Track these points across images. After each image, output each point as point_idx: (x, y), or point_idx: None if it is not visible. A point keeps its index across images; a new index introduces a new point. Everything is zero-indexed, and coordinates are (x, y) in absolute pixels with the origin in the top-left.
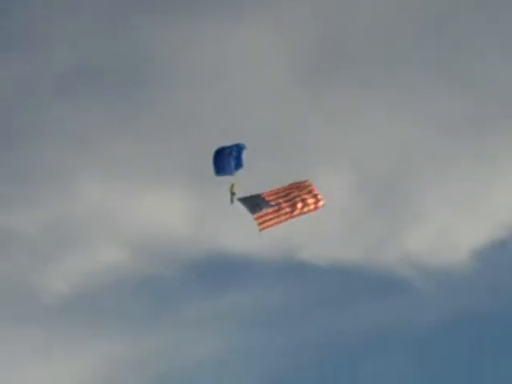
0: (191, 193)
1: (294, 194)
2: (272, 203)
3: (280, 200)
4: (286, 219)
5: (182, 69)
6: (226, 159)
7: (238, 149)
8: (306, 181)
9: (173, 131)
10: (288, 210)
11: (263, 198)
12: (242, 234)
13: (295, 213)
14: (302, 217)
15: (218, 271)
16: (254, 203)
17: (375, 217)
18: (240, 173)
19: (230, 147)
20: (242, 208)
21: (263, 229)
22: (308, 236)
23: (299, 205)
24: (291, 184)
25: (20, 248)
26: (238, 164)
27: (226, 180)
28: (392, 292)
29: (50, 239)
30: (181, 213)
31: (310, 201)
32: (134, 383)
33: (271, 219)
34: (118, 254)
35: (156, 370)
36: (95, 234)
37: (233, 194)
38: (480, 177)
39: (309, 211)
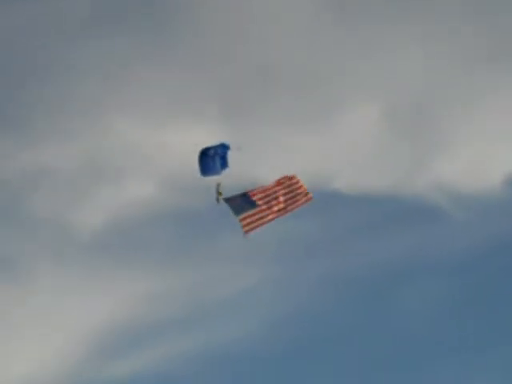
0: (222, 125)
1: (282, 192)
2: (259, 202)
3: (267, 198)
4: (273, 218)
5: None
6: (212, 160)
7: (223, 149)
8: (293, 177)
9: (203, 64)
10: (275, 208)
11: (249, 197)
12: (274, 166)
13: (282, 212)
14: (335, 146)
15: None
16: (239, 203)
17: (406, 145)
18: (226, 172)
19: (215, 147)
20: (273, 141)
21: (247, 232)
22: (339, 166)
23: (288, 202)
24: (278, 180)
25: (54, 184)
26: (224, 164)
27: (259, 114)
28: (424, 220)
29: (84, 175)
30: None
31: (298, 197)
32: (170, 317)
33: (256, 220)
34: (152, 188)
35: (193, 303)
36: (129, 168)
37: (219, 193)
38: None
39: (297, 206)
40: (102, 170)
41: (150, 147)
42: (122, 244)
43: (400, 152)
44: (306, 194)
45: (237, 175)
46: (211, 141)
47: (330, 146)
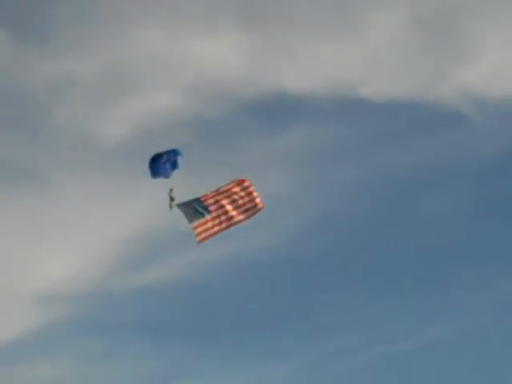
0: (245, 33)
1: (236, 197)
2: (210, 208)
3: (220, 204)
4: (226, 227)
5: None
6: (162, 163)
7: (175, 154)
8: (245, 181)
9: None
10: (228, 215)
11: (202, 202)
12: (297, 73)
13: (236, 219)
14: (360, 54)
15: (274, 111)
16: (192, 209)
17: (432, 51)
18: (175, 175)
19: (167, 153)
20: (298, 50)
21: (201, 241)
22: (363, 73)
23: (241, 209)
24: (230, 185)
25: (78, 94)
26: (174, 166)
27: (282, 22)
28: (448, 126)
29: (108, 84)
30: (235, 54)
31: (250, 205)
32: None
33: (209, 229)
34: (175, 98)
35: None
36: (152, 78)
37: (172, 199)
38: None
39: (249, 216)
40: (126, 79)
41: (173, 57)
42: (146, 152)
43: (425, 58)
44: (258, 202)
45: (263, 84)
46: (232, 48)
47: (355, 53)
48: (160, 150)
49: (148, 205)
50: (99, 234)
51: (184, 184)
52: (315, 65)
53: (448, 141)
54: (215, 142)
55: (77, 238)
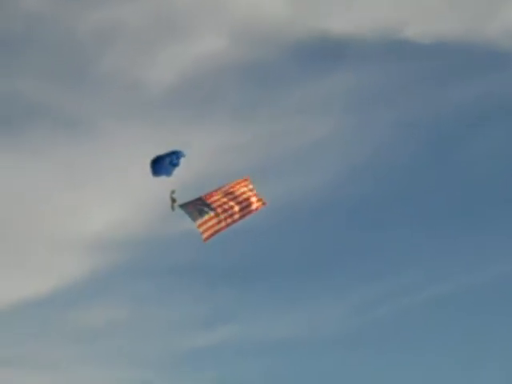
0: None
1: (236, 195)
2: (213, 205)
3: (222, 201)
4: (230, 224)
5: None
6: (164, 163)
7: (177, 156)
8: (246, 180)
9: None
10: (231, 212)
11: (204, 201)
12: (342, 15)
13: (237, 216)
14: None
15: (319, 53)
16: (195, 209)
17: None
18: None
19: (170, 155)
20: None
21: (207, 238)
22: (409, 14)
23: (243, 204)
24: (231, 184)
25: (125, 40)
26: (176, 164)
27: None
28: (496, 66)
29: (155, 30)
30: None
31: (253, 199)
32: (245, 169)
33: (214, 226)
34: (223, 42)
35: (266, 155)
36: (199, 23)
37: (173, 200)
38: None
39: (251, 212)
40: (173, 25)
41: (220, 1)
42: (194, 98)
43: None
44: (259, 199)
45: (309, 27)
46: None
47: None
48: (207, 96)
49: (197, 150)
50: (148, 179)
51: (234, 128)
52: (361, 6)
53: (496, 81)
54: (261, 86)
55: (126, 184)
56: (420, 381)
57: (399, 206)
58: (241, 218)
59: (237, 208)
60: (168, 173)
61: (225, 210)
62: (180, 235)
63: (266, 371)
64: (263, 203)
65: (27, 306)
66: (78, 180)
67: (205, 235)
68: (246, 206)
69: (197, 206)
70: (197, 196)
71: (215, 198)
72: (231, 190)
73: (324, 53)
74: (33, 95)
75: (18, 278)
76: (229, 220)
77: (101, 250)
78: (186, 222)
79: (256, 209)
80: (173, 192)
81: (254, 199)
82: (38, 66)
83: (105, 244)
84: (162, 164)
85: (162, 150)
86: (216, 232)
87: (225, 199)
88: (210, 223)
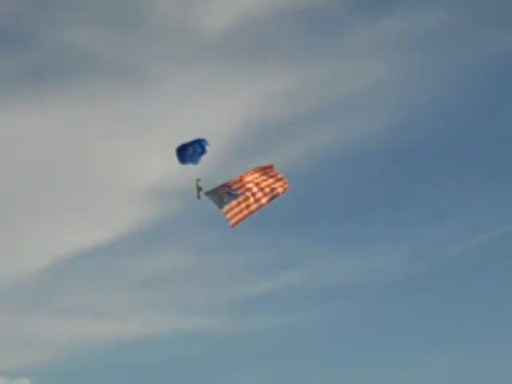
0: None
1: (261, 179)
2: (239, 192)
3: (246, 187)
4: (257, 209)
5: None
6: (188, 152)
7: (201, 144)
8: (271, 165)
9: None
10: (257, 196)
11: (229, 187)
12: None
13: (264, 200)
14: None
15: None
16: (221, 195)
17: None
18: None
19: (193, 144)
20: None
21: (235, 224)
22: None
23: (267, 190)
24: (256, 169)
25: None
26: (202, 152)
27: None
28: None
29: None
30: None
31: (277, 184)
32: (301, 113)
33: (241, 211)
34: None
35: (322, 99)
36: None
37: (199, 189)
38: None
39: (276, 196)
40: None
41: None
42: (249, 43)
43: None
44: (284, 183)
45: None
46: None
47: None
48: (263, 41)
49: (251, 95)
50: (205, 125)
51: (286, 74)
52: None
53: None
54: (313, 32)
55: (182, 131)
56: (486, 323)
57: (454, 152)
58: (268, 201)
59: (262, 192)
60: (195, 161)
61: (251, 195)
62: None
63: (330, 316)
64: (288, 187)
65: (90, 255)
66: (137, 128)
67: (232, 221)
68: (271, 189)
69: (222, 193)
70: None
71: (240, 183)
72: (256, 174)
73: None
74: (89, 45)
75: (80, 227)
76: (256, 205)
77: (164, 198)
78: (244, 166)
79: (282, 192)
80: (198, 180)
81: (279, 182)
82: (93, 15)
83: (168, 192)
84: (187, 153)
85: (216, 96)
86: (244, 217)
87: (250, 184)
88: (237, 209)
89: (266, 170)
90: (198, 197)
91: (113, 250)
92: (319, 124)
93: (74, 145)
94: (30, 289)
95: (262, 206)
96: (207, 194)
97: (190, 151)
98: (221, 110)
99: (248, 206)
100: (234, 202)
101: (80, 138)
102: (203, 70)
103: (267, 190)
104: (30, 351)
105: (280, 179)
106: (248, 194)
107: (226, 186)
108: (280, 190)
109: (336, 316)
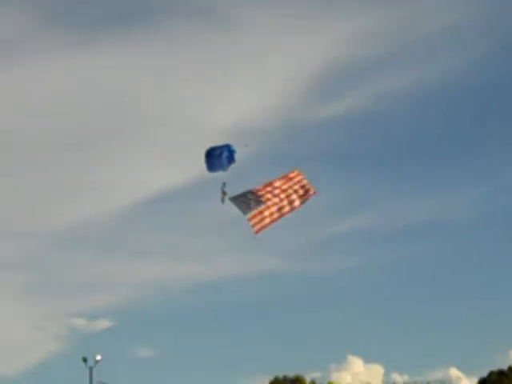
0: None
1: (285, 187)
2: (263, 199)
3: (271, 195)
4: (280, 216)
5: None
6: (218, 157)
7: (229, 149)
8: (295, 171)
9: None
10: (281, 205)
11: (254, 194)
12: None
13: (287, 208)
14: None
15: None
16: (246, 201)
17: None
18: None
19: (221, 148)
20: None
21: (258, 231)
22: None
23: (292, 197)
24: (281, 177)
25: None
26: (230, 160)
27: None
28: None
29: None
30: None
31: (301, 192)
32: (380, 55)
33: (265, 218)
34: None
35: (401, 42)
36: None
37: (224, 193)
38: None
39: (301, 204)
40: None
41: None
42: None
43: None
44: (309, 189)
45: None
46: None
47: None
48: None
49: (329, 37)
50: (286, 66)
51: (371, 13)
52: None
53: None
54: None
55: (264, 73)
56: None
57: None
58: (292, 210)
59: (287, 201)
60: (223, 168)
61: (274, 203)
62: (319, 121)
63: (402, 256)
64: (314, 192)
65: (168, 197)
66: (216, 68)
67: (256, 228)
68: (296, 197)
69: (247, 199)
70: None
71: (265, 190)
72: (281, 182)
73: None
74: None
75: (158, 167)
76: (279, 213)
77: (240, 138)
78: (326, 109)
79: (306, 199)
80: (224, 185)
81: (303, 190)
82: None
83: (244, 132)
84: (215, 160)
85: (298, 37)
86: (267, 225)
87: (275, 192)
88: (260, 217)
89: (291, 177)
90: (222, 201)
91: (190, 193)
92: (397, 65)
93: (154, 83)
94: (107, 231)
95: (287, 213)
96: (231, 199)
97: (216, 157)
98: (300, 51)
99: (271, 214)
100: (257, 210)
101: (161, 77)
102: (283, 12)
103: (293, 197)
104: (108, 293)
105: (305, 186)
106: (271, 202)
107: (251, 192)
108: (305, 196)
109: (407, 258)
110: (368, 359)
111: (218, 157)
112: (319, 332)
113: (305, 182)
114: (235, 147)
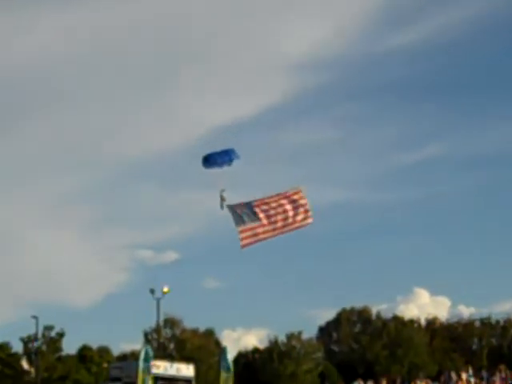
0: None
1: (285, 208)
2: (260, 215)
3: (269, 213)
4: (270, 237)
5: None
6: (218, 156)
7: (230, 157)
8: (299, 191)
9: None
10: (275, 225)
11: (252, 207)
12: None
13: (281, 230)
14: None
15: None
16: (241, 213)
17: None
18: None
19: (221, 155)
20: None
21: (244, 246)
22: None
23: (289, 220)
24: (283, 193)
25: None
26: (230, 160)
27: None
28: None
29: None
30: None
31: (299, 217)
32: None
33: (254, 236)
34: None
35: None
36: None
37: (222, 199)
38: None
39: (296, 228)
40: None
41: None
42: None
43: None
44: (307, 217)
45: None
46: None
47: None
48: None
49: None
50: None
51: None
52: None
53: None
54: None
55: (329, 3)
56: None
57: None
58: (285, 231)
59: (282, 222)
60: (221, 165)
61: (270, 222)
62: (386, 52)
63: (469, 186)
64: (310, 220)
65: (237, 127)
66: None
67: (243, 242)
68: (292, 221)
69: (243, 211)
70: None
71: (263, 207)
72: (281, 200)
73: None
74: None
75: (227, 98)
76: (270, 233)
77: (307, 70)
78: (394, 38)
79: (302, 225)
80: (222, 191)
81: (301, 216)
82: None
83: (311, 64)
84: (216, 157)
85: None
86: (255, 242)
87: (273, 210)
88: (252, 232)
89: (292, 197)
90: (221, 207)
91: (258, 123)
92: None
93: (219, 15)
94: (174, 163)
95: (279, 234)
96: (229, 207)
97: (214, 160)
98: None
99: (264, 233)
100: (250, 225)
101: (227, 8)
102: None
103: (289, 220)
104: (175, 225)
105: (305, 211)
106: (268, 220)
107: (249, 204)
108: (301, 222)
109: (474, 188)
110: (434, 291)
111: (217, 156)
112: (386, 264)
113: (307, 206)
114: (238, 155)
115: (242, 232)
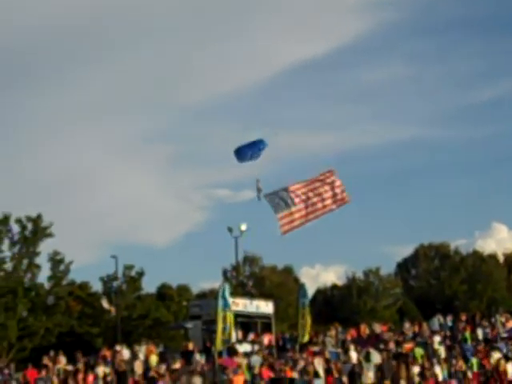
0: None
1: (322, 190)
2: (296, 200)
3: (306, 196)
4: (311, 219)
5: None
6: (245, 154)
7: (259, 147)
8: (332, 174)
9: None
10: (315, 207)
11: (289, 194)
12: None
13: (320, 212)
14: None
15: None
16: (279, 200)
17: None
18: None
19: (251, 147)
20: None
21: (285, 232)
22: None
23: (327, 202)
24: (317, 178)
25: None
26: (258, 156)
27: None
28: None
29: None
30: None
31: (338, 197)
32: None
33: (295, 220)
34: None
35: None
36: None
37: (259, 190)
38: None
39: (333, 209)
40: None
41: None
42: None
43: None
44: (344, 196)
45: None
46: None
47: None
48: None
49: None
50: None
51: None
52: None
53: None
54: None
55: None
56: None
57: None
58: (323, 214)
59: (320, 204)
60: (255, 157)
61: (308, 205)
62: None
63: None
64: (347, 199)
65: (308, 68)
66: None
67: (284, 228)
68: (329, 202)
69: (281, 198)
70: None
71: (300, 191)
72: (317, 184)
73: None
74: None
75: (299, 39)
76: (310, 216)
77: (380, 8)
78: None
79: (338, 206)
80: (258, 181)
81: (338, 196)
82: None
83: (383, 2)
84: (245, 155)
85: None
86: (296, 227)
87: (310, 193)
88: (291, 217)
89: (326, 180)
90: (259, 198)
91: (327, 63)
92: None
93: None
94: (248, 103)
95: (318, 217)
96: (266, 196)
97: (245, 153)
98: None
99: (303, 217)
100: (288, 211)
101: None
102: None
103: (327, 202)
104: (251, 164)
105: (340, 193)
106: (306, 204)
107: (286, 190)
108: (338, 203)
109: None
110: None
111: (245, 153)
112: (464, 200)
113: (342, 187)
114: (266, 144)
115: (281, 219)
